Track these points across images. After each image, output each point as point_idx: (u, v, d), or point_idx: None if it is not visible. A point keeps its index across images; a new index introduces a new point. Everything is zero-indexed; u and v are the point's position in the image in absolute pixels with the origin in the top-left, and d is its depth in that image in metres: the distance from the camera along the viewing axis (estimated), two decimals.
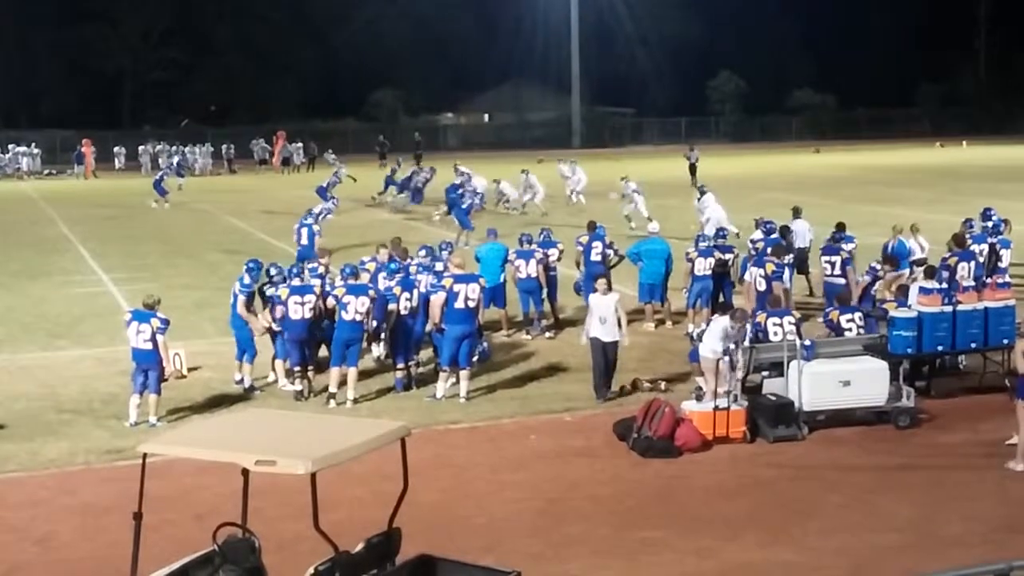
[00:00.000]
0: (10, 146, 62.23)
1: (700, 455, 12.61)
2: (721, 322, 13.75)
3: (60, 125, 71.60)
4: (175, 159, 54.73)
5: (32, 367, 17.00)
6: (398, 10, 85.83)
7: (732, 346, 13.32)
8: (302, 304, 14.85)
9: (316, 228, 22.71)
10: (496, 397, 15.12)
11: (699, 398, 13.42)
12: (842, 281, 17.51)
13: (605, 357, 14.42)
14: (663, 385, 15.03)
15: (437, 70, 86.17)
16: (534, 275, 18.24)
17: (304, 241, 22.48)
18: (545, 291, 18.62)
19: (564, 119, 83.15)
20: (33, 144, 62.88)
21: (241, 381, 15.36)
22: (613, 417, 13.55)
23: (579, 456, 12.72)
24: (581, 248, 19.27)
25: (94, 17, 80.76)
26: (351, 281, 15.01)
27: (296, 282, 15.21)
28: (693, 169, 45.31)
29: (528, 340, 18.18)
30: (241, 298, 15.27)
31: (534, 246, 18.61)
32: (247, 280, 15.39)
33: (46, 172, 59.81)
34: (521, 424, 14.02)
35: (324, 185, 34.58)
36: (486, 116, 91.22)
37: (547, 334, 18.39)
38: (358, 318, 14.65)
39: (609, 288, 15.10)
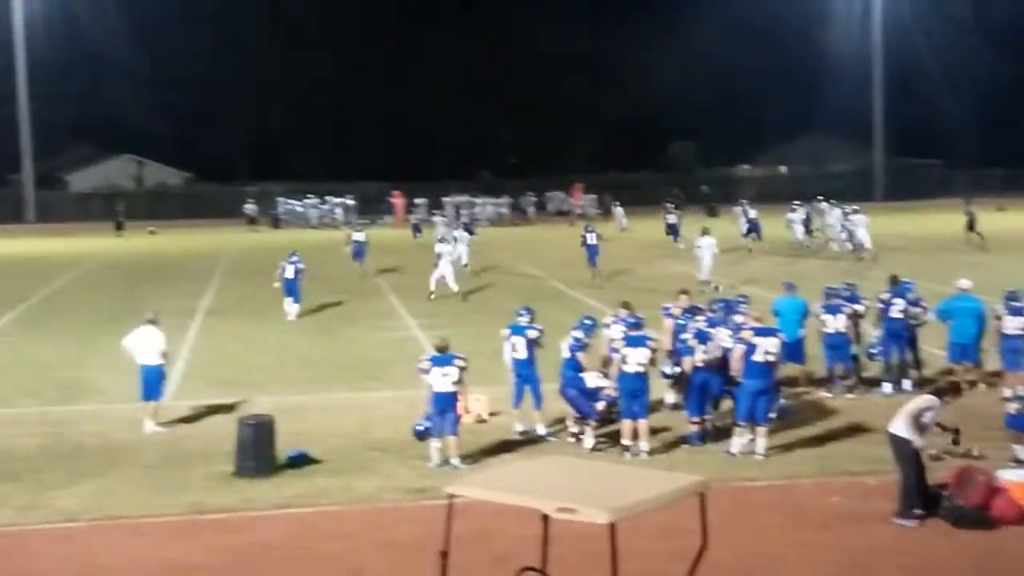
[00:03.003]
0: (327, 197, 66.45)
1: (1019, 529, 11.79)
2: None
3: (372, 177, 75.83)
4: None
5: (346, 406, 17.92)
6: (694, 63, 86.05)
7: None
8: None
9: None
10: (794, 455, 14.72)
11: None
12: None
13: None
14: (975, 451, 14.18)
15: (733, 122, 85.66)
16: (842, 330, 17.67)
17: (289, 275, 27.47)
18: (853, 347, 18.01)
19: (865, 170, 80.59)
20: (348, 196, 66.89)
21: (524, 432, 15.66)
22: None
23: (883, 522, 12.15)
24: (882, 305, 18.39)
25: (404, 74, 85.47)
26: (631, 332, 15.06)
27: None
28: (971, 224, 42.57)
29: (829, 398, 17.63)
30: (580, 354, 15.50)
31: (841, 300, 18.04)
32: (580, 335, 15.68)
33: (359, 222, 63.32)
34: (821, 485, 13.57)
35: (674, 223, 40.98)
36: (783, 168, 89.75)
37: (850, 394, 17.77)
38: (640, 369, 14.67)
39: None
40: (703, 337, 15.20)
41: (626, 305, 16.60)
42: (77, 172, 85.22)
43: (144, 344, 16.52)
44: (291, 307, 27.60)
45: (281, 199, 68.00)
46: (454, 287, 30.26)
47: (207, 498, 13.28)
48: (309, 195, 67.55)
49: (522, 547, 9.98)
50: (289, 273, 27.64)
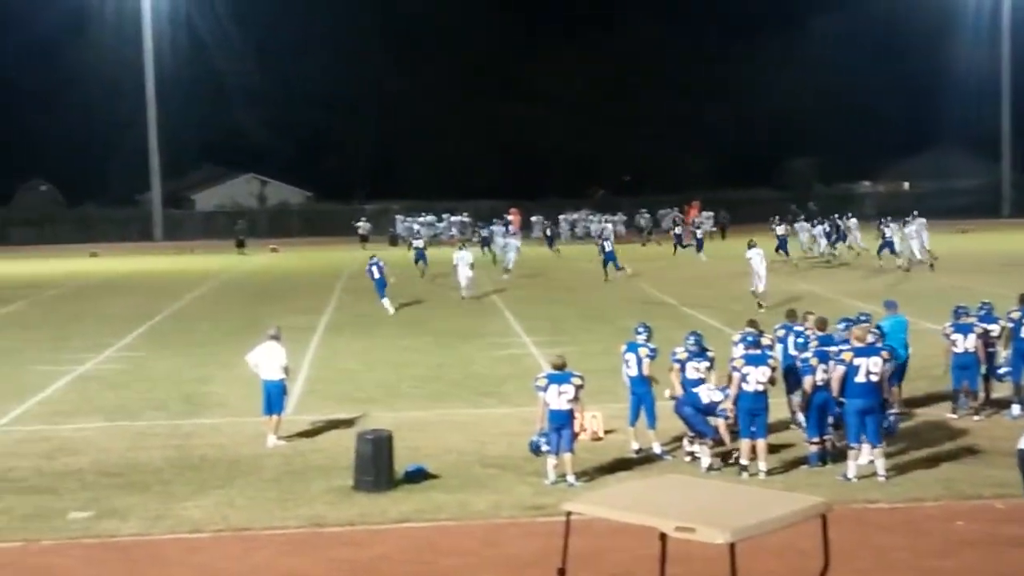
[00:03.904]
0: (444, 215, 67.17)
1: None
2: None
3: (488, 195, 76.38)
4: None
5: (462, 422, 18.06)
6: (813, 76, 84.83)
7: None
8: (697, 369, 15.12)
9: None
10: (917, 477, 14.37)
11: None
12: None
13: None
14: None
15: (853, 137, 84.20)
16: (972, 350, 17.19)
17: (376, 276, 31.61)
18: (983, 368, 17.52)
19: (992, 186, 78.39)
20: (465, 213, 67.48)
21: (639, 450, 15.60)
22: None
23: (1014, 547, 11.78)
24: (1011, 324, 17.81)
25: (518, 93, 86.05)
26: (751, 351, 14.86)
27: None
28: None
29: (954, 419, 17.18)
30: (647, 361, 15.50)
31: (972, 319, 17.57)
32: (653, 344, 15.67)
33: (475, 239, 63.86)
34: (946, 508, 13.23)
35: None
36: (905, 184, 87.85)
37: (976, 416, 17.28)
38: (760, 388, 14.49)
39: None
40: (824, 357, 14.94)
41: (752, 323, 16.37)
42: (202, 191, 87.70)
43: (267, 359, 16.87)
44: (388, 304, 31.41)
45: (399, 217, 68.96)
46: (463, 293, 34.48)
47: (327, 512, 13.51)
48: (422, 213, 68.42)
49: (639, 566, 9.96)
50: (376, 274, 31.86)
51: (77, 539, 12.80)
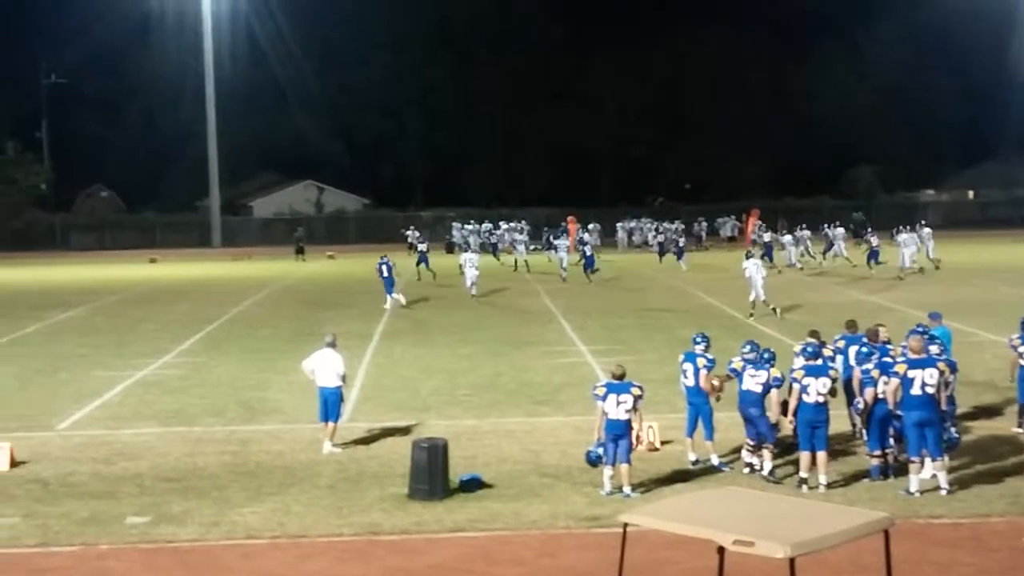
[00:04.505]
0: (501, 223, 67.18)
1: None
2: None
3: (544, 203, 76.28)
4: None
5: (517, 431, 17.96)
6: (874, 83, 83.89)
7: None
8: (752, 377, 14.79)
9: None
10: (981, 492, 14.06)
11: None
12: None
13: None
14: None
15: (917, 144, 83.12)
16: None
17: (385, 274, 34.56)
18: None
19: None
20: (522, 221, 67.48)
21: (697, 462, 15.42)
22: None
23: None
24: None
25: (575, 99, 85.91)
26: (811, 362, 14.62)
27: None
28: None
29: (1020, 433, 16.81)
30: (704, 372, 15.33)
31: None
32: (711, 355, 15.48)
33: (532, 247, 63.78)
34: (1012, 524, 12.92)
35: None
36: (970, 193, 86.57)
37: None
38: (821, 400, 14.26)
39: None
40: (886, 368, 14.68)
41: (814, 334, 16.12)
42: (260, 198, 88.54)
43: (323, 366, 16.90)
44: (391, 300, 33.93)
45: (455, 224, 69.11)
46: (472, 291, 36.57)
47: (382, 520, 13.48)
48: (471, 221, 68.58)
49: None
50: (385, 272, 34.62)
51: (134, 544, 12.88)
